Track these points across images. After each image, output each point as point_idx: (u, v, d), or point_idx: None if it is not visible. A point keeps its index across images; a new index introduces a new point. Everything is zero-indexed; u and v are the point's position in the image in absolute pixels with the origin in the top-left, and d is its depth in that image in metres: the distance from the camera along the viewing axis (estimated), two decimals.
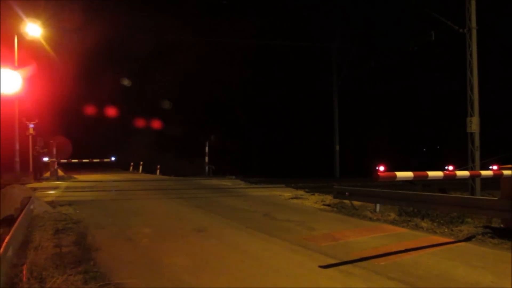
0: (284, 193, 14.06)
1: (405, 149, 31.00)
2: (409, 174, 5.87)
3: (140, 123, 37.43)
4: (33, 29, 18.90)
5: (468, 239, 6.75)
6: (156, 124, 36.60)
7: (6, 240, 4.76)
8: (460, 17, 12.78)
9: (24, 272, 4.67)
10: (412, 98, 30.43)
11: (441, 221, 7.98)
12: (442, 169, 6.81)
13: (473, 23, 12.47)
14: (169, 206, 11.26)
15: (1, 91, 17.29)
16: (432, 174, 6.20)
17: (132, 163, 35.54)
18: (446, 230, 7.37)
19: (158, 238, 6.99)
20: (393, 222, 8.35)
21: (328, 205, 10.92)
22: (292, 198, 12.70)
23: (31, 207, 8.58)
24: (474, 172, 9.31)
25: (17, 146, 19.42)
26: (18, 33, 18.74)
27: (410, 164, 11.83)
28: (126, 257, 5.74)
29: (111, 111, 37.23)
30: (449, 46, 17.66)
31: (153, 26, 32.66)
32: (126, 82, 33.84)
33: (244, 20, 28.25)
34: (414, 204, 8.58)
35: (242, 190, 16.06)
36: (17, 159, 19.29)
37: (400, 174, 5.67)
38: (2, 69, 17.35)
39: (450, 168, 7.18)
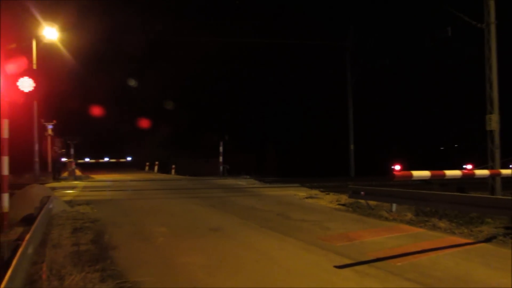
0: (299, 193, 14.00)
1: (422, 147, 30.49)
2: (426, 173, 5.76)
3: (155, 123, 37.90)
4: (50, 32, 19.27)
5: (488, 240, 6.58)
6: (171, 124, 37.00)
7: (26, 239, 4.89)
8: (478, 11, 12.47)
9: (44, 269, 4.78)
10: (429, 96, 29.92)
11: (460, 221, 7.81)
12: (461, 168, 6.67)
13: (492, 18, 12.14)
14: (184, 206, 11.35)
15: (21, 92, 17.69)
16: (449, 173, 6.06)
17: (147, 163, 35.98)
18: (465, 230, 7.20)
19: (174, 237, 7.06)
20: (409, 222, 8.22)
21: (343, 205, 10.82)
22: (306, 198, 12.63)
23: (50, 206, 8.77)
24: (494, 171, 9.07)
25: (36, 147, 19.95)
26: (35, 35, 19.15)
27: (427, 163, 11.62)
28: (143, 255, 5.81)
29: (125, 112, 37.81)
30: (467, 42, 17.29)
31: (160, 27, 33.05)
32: (133, 82, 34.37)
33: (255, 19, 28.27)
34: (432, 204, 8.42)
35: (257, 190, 16.06)
36: (37, 159, 19.81)
37: (417, 173, 5.57)
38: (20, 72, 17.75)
39: (469, 167, 7.04)
